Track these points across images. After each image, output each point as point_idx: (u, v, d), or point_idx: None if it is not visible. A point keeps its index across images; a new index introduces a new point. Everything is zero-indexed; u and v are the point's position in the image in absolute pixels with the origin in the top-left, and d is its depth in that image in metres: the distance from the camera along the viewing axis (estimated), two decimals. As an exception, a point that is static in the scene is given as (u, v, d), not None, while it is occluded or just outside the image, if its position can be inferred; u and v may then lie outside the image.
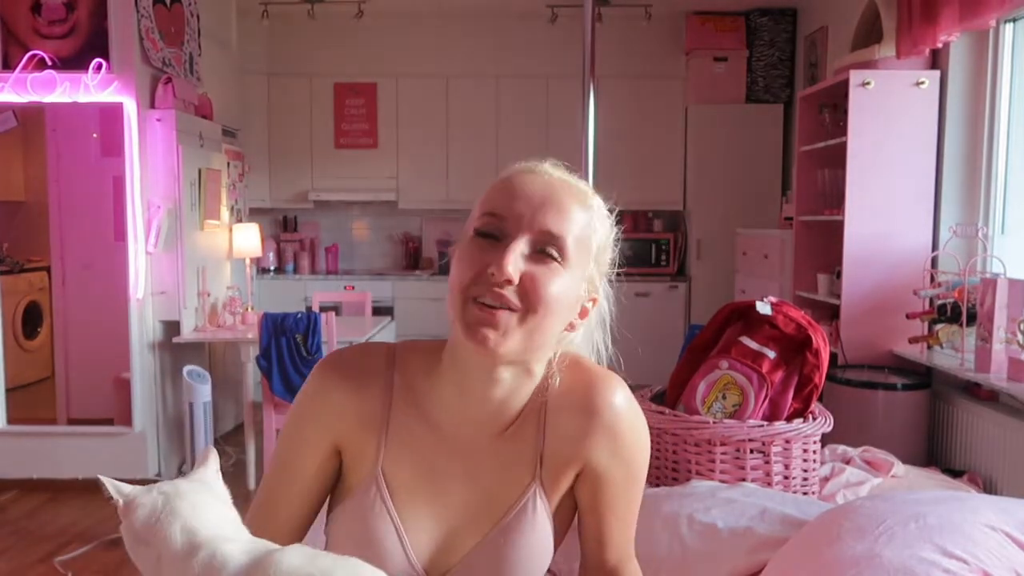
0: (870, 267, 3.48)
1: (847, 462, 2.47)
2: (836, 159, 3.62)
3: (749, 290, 4.66)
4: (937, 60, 3.48)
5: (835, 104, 3.83)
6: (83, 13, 3.72)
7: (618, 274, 1.03)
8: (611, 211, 1.00)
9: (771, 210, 5.22)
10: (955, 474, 2.96)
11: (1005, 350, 2.80)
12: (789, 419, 1.92)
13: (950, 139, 3.44)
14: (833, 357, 3.22)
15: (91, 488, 3.62)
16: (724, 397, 1.94)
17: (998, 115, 3.32)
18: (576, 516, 1.06)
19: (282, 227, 5.98)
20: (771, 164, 5.42)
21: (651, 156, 5.62)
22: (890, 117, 3.44)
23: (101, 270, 4.08)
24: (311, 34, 5.65)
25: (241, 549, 0.82)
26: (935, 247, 3.43)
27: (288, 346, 3.61)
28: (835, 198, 3.68)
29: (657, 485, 1.91)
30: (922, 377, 3.29)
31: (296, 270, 5.78)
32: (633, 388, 1.06)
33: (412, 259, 5.96)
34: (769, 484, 1.83)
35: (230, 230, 4.62)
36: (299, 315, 3.64)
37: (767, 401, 1.92)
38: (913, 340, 3.29)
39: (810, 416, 1.93)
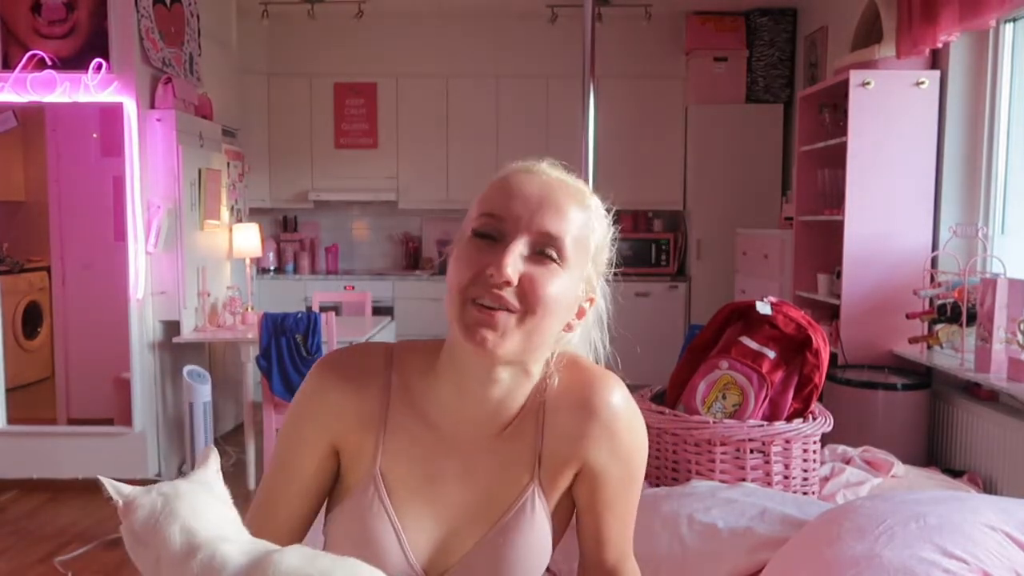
0: (870, 267, 3.48)
1: (847, 462, 2.47)
2: (836, 159, 3.62)
3: (749, 290, 4.66)
4: (937, 60, 3.48)
5: (835, 104, 3.83)
6: (83, 13, 3.72)
7: (615, 274, 1.03)
8: (608, 210, 1.00)
9: (771, 210, 5.22)
10: (955, 474, 2.96)
11: (1005, 350, 2.80)
12: (789, 419, 1.92)
13: (950, 139, 3.44)
14: (833, 357, 3.22)
15: (91, 488, 3.62)
16: (724, 397, 1.94)
17: (998, 115, 3.32)
18: (574, 515, 1.06)
19: (282, 227, 5.98)
20: (771, 164, 5.42)
21: (651, 156, 5.62)
22: (890, 117, 3.44)
23: (101, 270, 4.08)
24: (311, 34, 5.65)
25: (240, 550, 0.82)
26: (935, 247, 3.43)
27: (288, 346, 3.61)
28: (835, 198, 3.68)
29: (657, 485, 1.91)
30: (922, 377, 3.29)
31: (296, 270, 5.78)
32: (633, 388, 1.06)
33: (412, 259, 5.96)
34: (769, 484, 1.84)
35: (230, 230, 4.62)
36: (299, 315, 3.64)
37: (767, 401, 1.92)
38: (913, 340, 3.29)
39: (810, 416, 1.93)
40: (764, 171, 5.40)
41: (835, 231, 3.64)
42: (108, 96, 3.72)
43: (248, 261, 4.81)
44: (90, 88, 3.69)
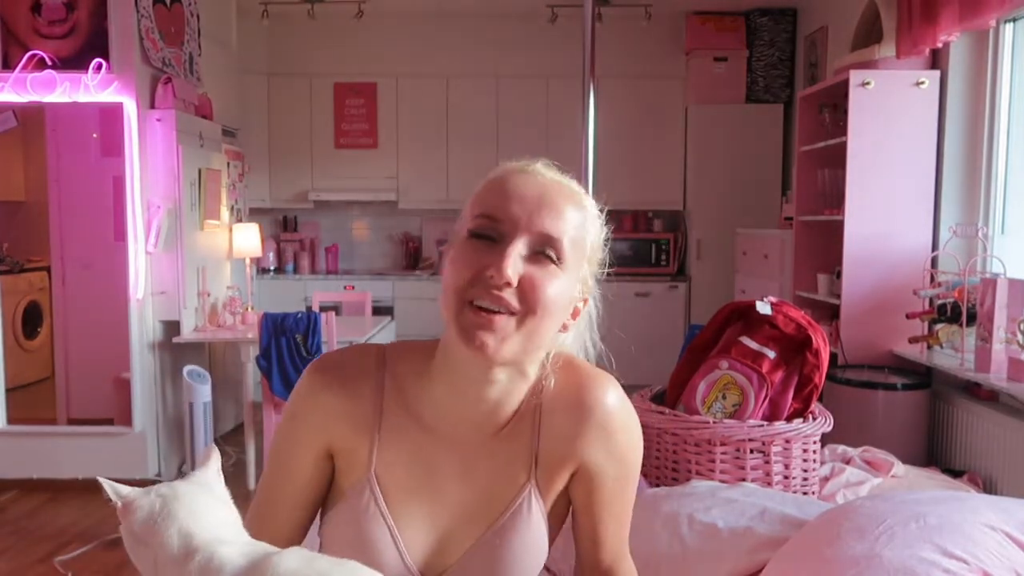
0: (870, 267, 3.48)
1: (847, 462, 2.47)
2: (836, 159, 3.62)
3: (749, 290, 4.66)
4: (937, 60, 3.48)
5: (835, 104, 3.83)
6: (83, 13, 3.72)
7: (610, 274, 1.03)
8: (601, 211, 1.00)
9: (771, 210, 5.22)
10: (955, 474, 2.96)
11: (1005, 350, 2.80)
12: (789, 419, 1.92)
13: (950, 139, 3.44)
14: (833, 357, 3.22)
15: (91, 488, 3.61)
16: (724, 397, 1.94)
17: (998, 115, 3.32)
18: (570, 515, 1.06)
19: (282, 227, 5.98)
20: (771, 164, 5.42)
21: (651, 156, 5.62)
22: (890, 117, 3.44)
23: (101, 270, 4.08)
24: (311, 34, 5.65)
25: (239, 552, 0.82)
26: (935, 247, 3.43)
27: (288, 346, 3.61)
28: (835, 198, 3.68)
29: (657, 485, 1.91)
30: (922, 377, 3.29)
31: (296, 270, 5.78)
32: (631, 388, 1.06)
33: (412, 259, 5.96)
34: (769, 484, 1.84)
35: (230, 230, 4.62)
36: (299, 315, 3.64)
37: (767, 401, 1.92)
38: (913, 340, 3.29)
39: (810, 416, 1.93)
40: (764, 171, 5.40)
41: (835, 231, 3.64)
42: (108, 96, 3.72)
43: (248, 261, 4.81)
44: (90, 88, 3.69)
